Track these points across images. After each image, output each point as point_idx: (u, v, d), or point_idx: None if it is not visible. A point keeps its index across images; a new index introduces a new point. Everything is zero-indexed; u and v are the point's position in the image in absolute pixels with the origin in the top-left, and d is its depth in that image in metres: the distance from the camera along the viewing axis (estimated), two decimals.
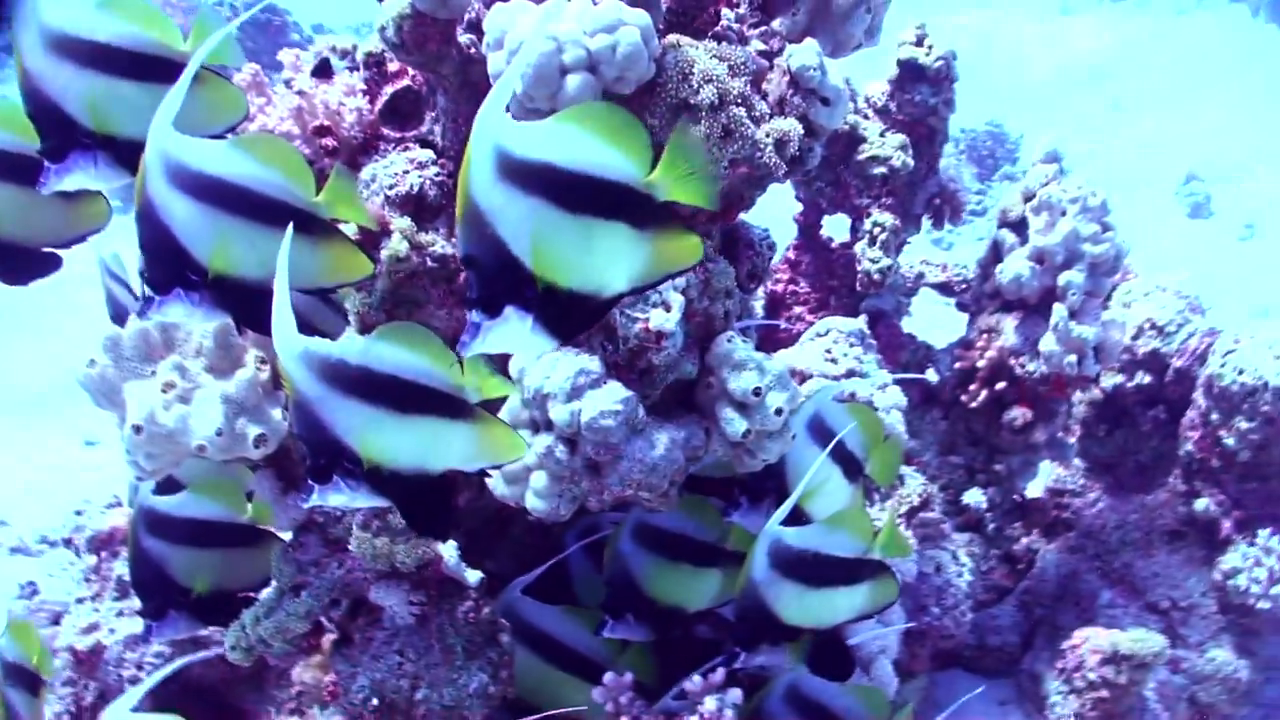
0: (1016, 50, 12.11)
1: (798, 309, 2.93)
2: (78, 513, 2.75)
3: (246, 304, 1.48)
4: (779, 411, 1.73)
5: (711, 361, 1.77)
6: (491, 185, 1.27)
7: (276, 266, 1.33)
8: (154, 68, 1.58)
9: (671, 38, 1.70)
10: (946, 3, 13.77)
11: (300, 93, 1.98)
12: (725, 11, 1.84)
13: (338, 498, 1.42)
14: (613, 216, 1.34)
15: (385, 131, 2.03)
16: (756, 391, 1.72)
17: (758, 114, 1.71)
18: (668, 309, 1.68)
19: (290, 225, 1.39)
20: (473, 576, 1.90)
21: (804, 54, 1.78)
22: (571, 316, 1.36)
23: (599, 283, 1.35)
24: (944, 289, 3.09)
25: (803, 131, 1.75)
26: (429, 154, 1.94)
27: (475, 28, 1.91)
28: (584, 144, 1.32)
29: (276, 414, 1.81)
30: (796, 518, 1.90)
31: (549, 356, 1.70)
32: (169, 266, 1.45)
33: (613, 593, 1.97)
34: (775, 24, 1.91)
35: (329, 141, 1.98)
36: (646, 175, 1.34)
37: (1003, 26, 13.00)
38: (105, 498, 2.83)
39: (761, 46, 1.87)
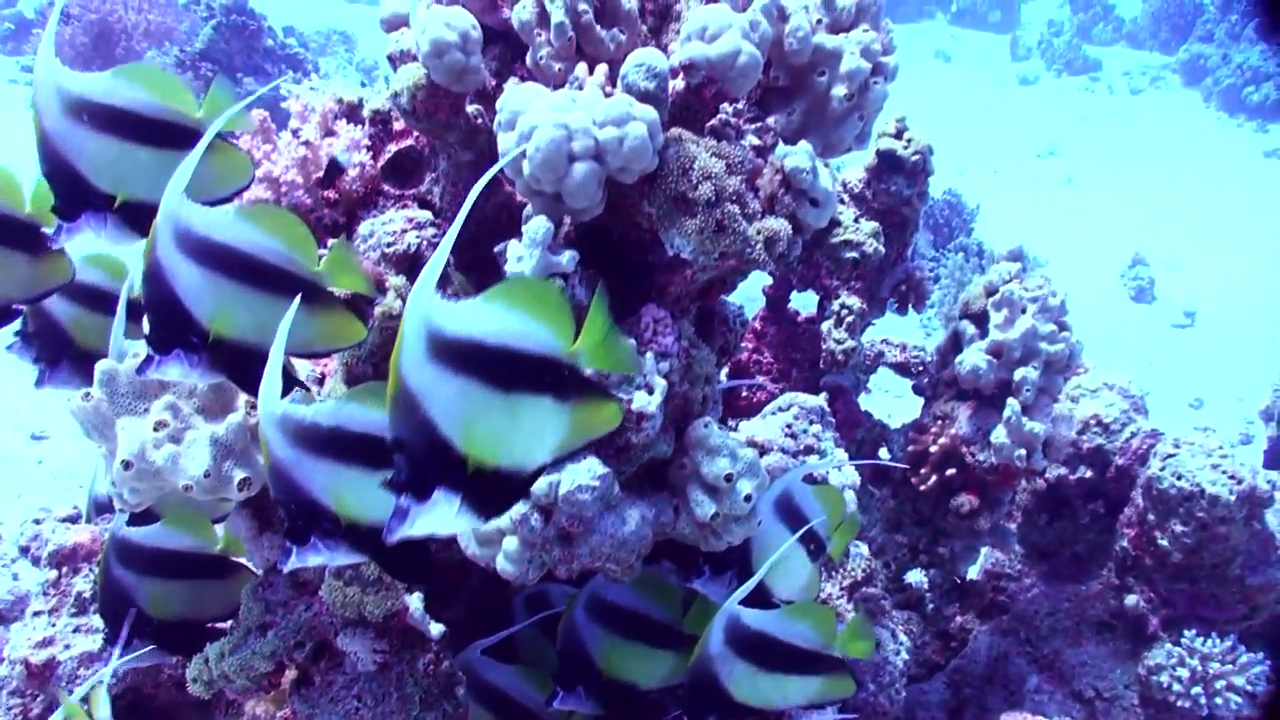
0: (977, 116, 12.34)
1: (760, 378, 3.01)
2: (36, 521, 2.76)
3: (244, 367, 1.53)
4: (748, 498, 1.80)
5: (687, 443, 1.84)
6: (422, 365, 1.25)
7: (275, 334, 1.37)
8: (169, 134, 1.65)
9: (674, 131, 1.77)
10: (910, 61, 14.03)
11: (306, 144, 2.03)
12: (724, 106, 1.92)
13: (316, 558, 1.48)
14: (540, 391, 1.35)
15: (386, 188, 2.09)
16: (728, 477, 1.79)
17: (750, 211, 1.79)
18: (650, 392, 1.75)
19: (296, 300, 1.45)
20: (435, 629, 1.96)
21: (798, 157, 1.86)
22: (498, 494, 1.35)
23: (526, 459, 1.35)
24: (902, 369, 3.18)
25: (791, 231, 1.83)
26: (427, 215, 2.00)
27: (483, 97, 1.98)
28: (511, 320, 1.32)
29: (262, 459, 1.86)
30: (757, 590, 1.96)
31: None
32: (171, 328, 1.50)
33: (564, 664, 2.00)
34: (770, 120, 1.99)
35: (330, 194, 2.04)
36: (570, 346, 1.37)
37: (965, 93, 13.25)
38: (55, 497, 2.86)
39: (756, 142, 1.95)
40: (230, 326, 1.53)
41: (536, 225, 1.70)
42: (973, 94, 13.42)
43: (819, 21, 1.96)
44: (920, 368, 3.16)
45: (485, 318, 1.31)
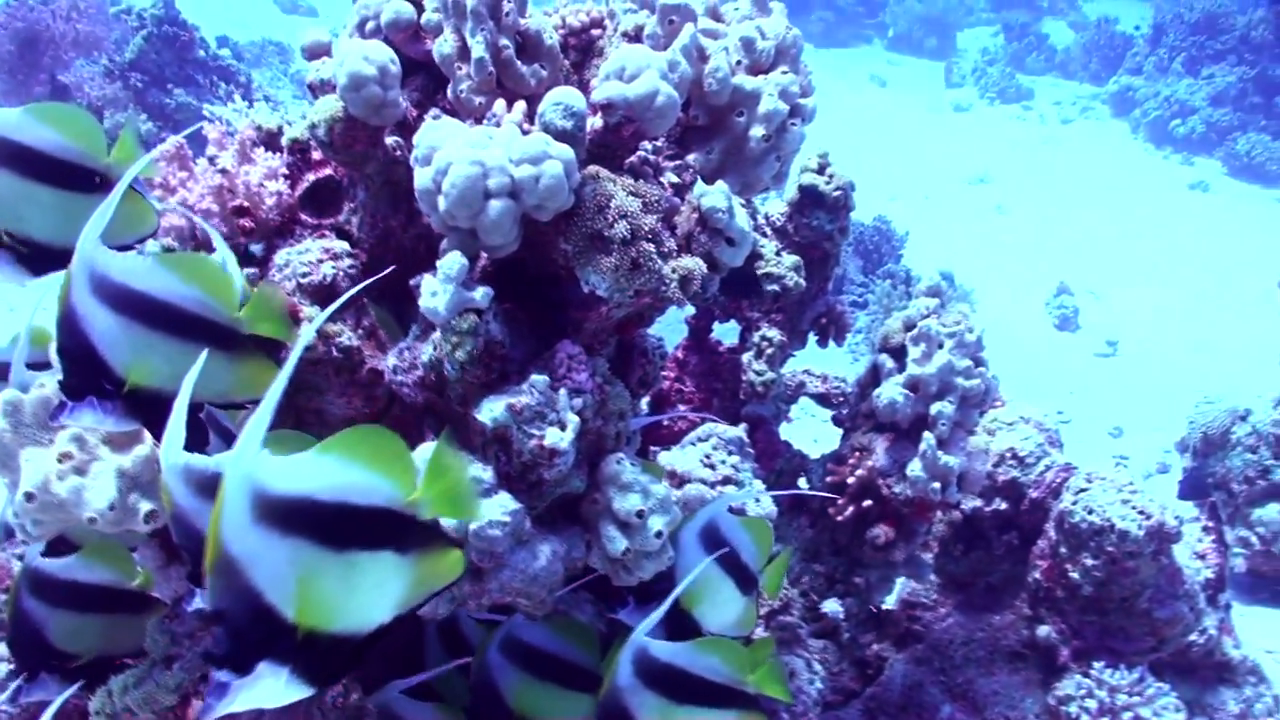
0: (910, 141, 12.50)
1: (682, 407, 3.03)
2: None
3: (160, 416, 1.50)
4: (659, 534, 1.81)
5: (599, 478, 1.85)
6: (246, 529, 1.17)
7: (184, 383, 1.34)
8: (72, 176, 1.64)
9: (591, 169, 1.78)
10: (846, 85, 14.20)
11: (223, 171, 2.02)
12: (644, 144, 1.94)
13: None
14: (379, 546, 1.30)
15: (303, 217, 2.08)
16: (640, 514, 1.80)
17: (666, 249, 1.80)
18: (563, 428, 1.75)
19: (206, 350, 1.45)
20: None
21: (714, 197, 1.88)
22: (332, 660, 1.27)
23: (364, 620, 1.28)
24: (823, 400, 3.21)
25: (706, 269, 1.85)
26: (344, 245, 2.00)
27: (403, 128, 1.98)
28: (347, 471, 1.27)
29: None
30: (686, 626, 1.96)
31: None
32: (85, 375, 1.48)
33: (476, 701, 1.99)
34: (690, 159, 2.01)
35: (246, 222, 2.03)
36: (410, 495, 1.33)
37: (899, 118, 13.42)
38: None
39: (675, 180, 1.97)
40: (146, 375, 1.51)
41: (451, 261, 1.70)
42: (907, 119, 13.59)
43: (739, 63, 1.98)
44: (841, 398, 3.19)
45: (319, 471, 1.25)
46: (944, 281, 6.58)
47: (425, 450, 1.79)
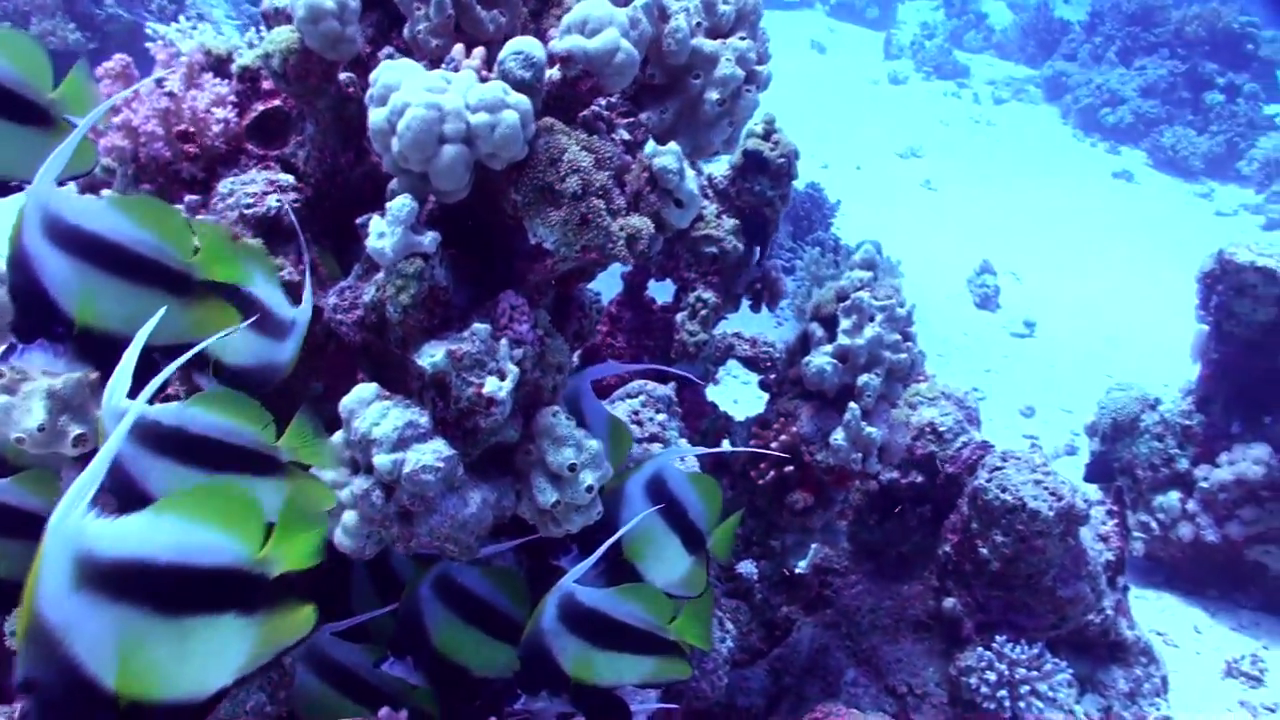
0: (846, 110, 12.55)
1: (613, 361, 3.04)
2: None
3: (111, 359, 1.47)
4: (589, 489, 1.83)
5: (534, 430, 1.86)
6: (65, 596, 1.08)
7: (138, 334, 1.35)
8: (13, 107, 1.61)
9: (546, 121, 1.78)
10: (786, 48, 14.20)
11: (169, 95, 1.99)
12: (598, 98, 1.94)
13: None
14: (220, 609, 1.23)
15: (249, 147, 2.05)
16: (572, 468, 1.81)
17: (615, 207, 1.81)
18: (502, 378, 1.76)
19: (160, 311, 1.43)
20: None
21: (666, 158, 1.88)
22: None
23: (198, 687, 1.21)
24: (750, 363, 3.24)
25: (654, 230, 1.86)
26: (289, 178, 1.98)
27: (357, 64, 1.96)
28: (187, 532, 1.20)
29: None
30: (629, 578, 1.98)
31: (381, 403, 1.77)
32: (36, 316, 1.46)
33: (400, 633, 2.00)
34: (643, 116, 2.01)
35: (190, 148, 2.00)
36: (258, 552, 1.28)
37: (836, 85, 13.46)
38: None
39: (627, 137, 1.97)
40: (97, 317, 1.49)
41: (401, 204, 1.69)
42: (844, 87, 13.63)
43: (698, 24, 1.99)
44: (769, 363, 3.23)
45: (156, 532, 1.17)
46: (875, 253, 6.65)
47: (360, 391, 1.79)
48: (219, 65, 2.12)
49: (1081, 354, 7.49)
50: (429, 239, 1.73)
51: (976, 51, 15.78)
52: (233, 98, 2.04)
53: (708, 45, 1.97)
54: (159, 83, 2.02)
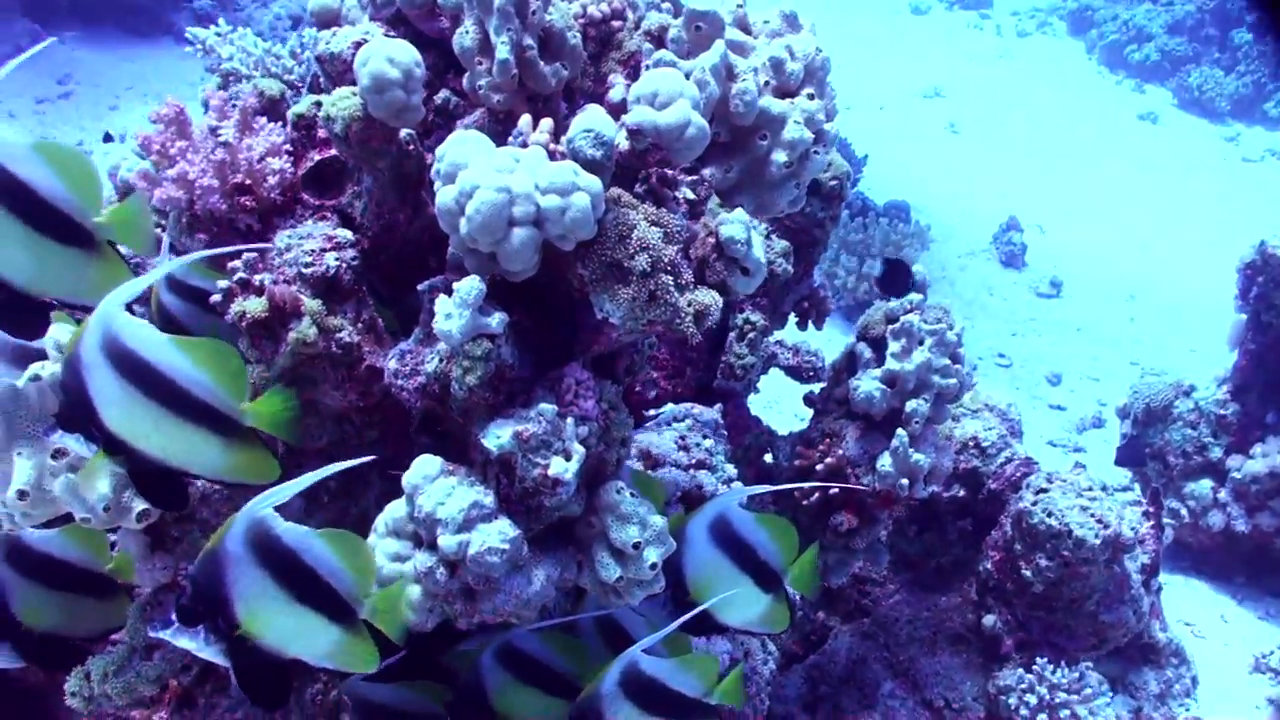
0: (867, 45, 12.36)
1: (655, 374, 3.02)
2: None
3: (141, 472, 1.62)
4: (653, 566, 1.82)
5: (597, 504, 1.84)
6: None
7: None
8: (54, 223, 1.61)
9: (614, 192, 1.74)
10: None
11: (225, 145, 1.95)
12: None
13: (187, 642, 1.60)
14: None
15: (305, 196, 2.02)
16: (636, 545, 1.80)
17: (684, 282, 1.77)
18: (568, 458, 1.74)
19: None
20: None
21: (734, 227, 1.84)
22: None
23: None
24: (794, 372, 3.22)
25: (721, 304, 1.82)
26: (348, 234, 1.94)
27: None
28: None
29: None
30: (707, 624, 1.99)
31: (446, 479, 1.75)
32: (76, 418, 1.56)
33: (460, 701, 1.99)
34: (706, 173, 1.96)
35: (247, 200, 1.97)
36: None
37: (857, 18, 13.25)
38: None
39: (690, 195, 1.93)
40: (135, 437, 1.57)
41: (469, 286, 1.66)
42: (865, 19, 13.43)
43: (766, 83, 1.93)
44: (811, 373, 3.20)
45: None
46: (901, 223, 6.57)
47: (424, 465, 1.77)
48: (271, 107, 2.08)
49: (1108, 316, 7.43)
50: (496, 321, 1.69)
51: None
52: (288, 146, 2.00)
53: (775, 106, 1.91)
54: (213, 131, 1.97)
